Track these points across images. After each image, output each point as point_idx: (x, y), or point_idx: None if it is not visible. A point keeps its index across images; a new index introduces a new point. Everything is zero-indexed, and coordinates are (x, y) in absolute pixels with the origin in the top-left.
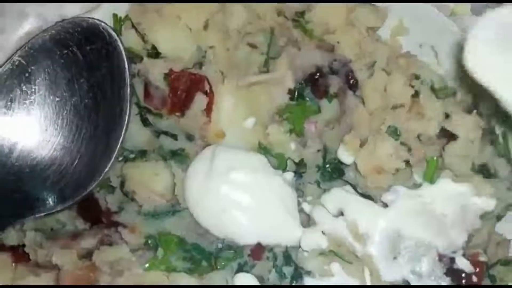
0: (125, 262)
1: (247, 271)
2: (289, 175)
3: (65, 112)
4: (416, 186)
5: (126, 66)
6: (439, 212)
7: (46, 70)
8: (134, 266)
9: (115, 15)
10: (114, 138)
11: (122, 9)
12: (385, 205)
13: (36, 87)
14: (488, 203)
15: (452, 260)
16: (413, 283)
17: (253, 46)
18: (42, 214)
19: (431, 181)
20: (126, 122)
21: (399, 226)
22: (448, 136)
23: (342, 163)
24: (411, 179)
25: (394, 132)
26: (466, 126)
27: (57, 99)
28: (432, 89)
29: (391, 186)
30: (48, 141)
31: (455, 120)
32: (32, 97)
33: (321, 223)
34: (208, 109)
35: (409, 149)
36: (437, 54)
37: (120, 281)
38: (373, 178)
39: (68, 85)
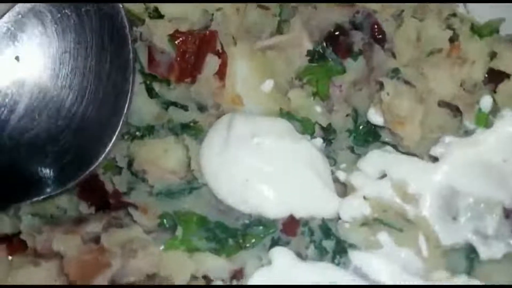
0: (139, 241)
1: None
2: (318, 141)
3: (62, 82)
4: (469, 133)
5: (127, 29)
6: (499, 159)
7: (38, 36)
8: (150, 245)
9: None
10: (118, 110)
11: None
12: (435, 160)
13: (28, 55)
14: None
15: None
16: (477, 245)
17: (264, 8)
18: (40, 198)
19: (486, 125)
20: (129, 91)
21: (454, 182)
22: (496, 78)
23: (376, 125)
24: (461, 126)
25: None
26: None
27: (51, 68)
28: (472, 28)
29: (439, 138)
30: (46, 113)
31: (505, 57)
32: (24, 66)
33: (361, 188)
34: (221, 72)
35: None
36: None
37: (134, 263)
38: (403, 132)
39: (63, 52)
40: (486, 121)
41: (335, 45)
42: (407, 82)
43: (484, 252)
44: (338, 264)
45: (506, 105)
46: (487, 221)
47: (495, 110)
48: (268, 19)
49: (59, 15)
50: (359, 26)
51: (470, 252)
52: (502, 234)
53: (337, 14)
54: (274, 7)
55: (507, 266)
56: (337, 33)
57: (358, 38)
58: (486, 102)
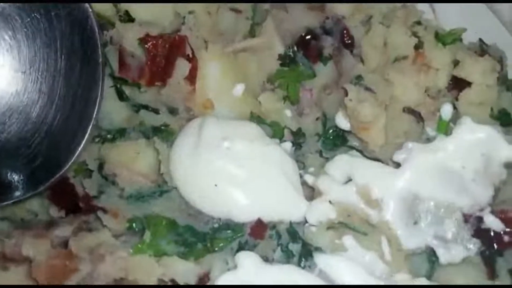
0: (107, 246)
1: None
2: (288, 145)
3: (32, 86)
4: (430, 140)
5: (97, 33)
6: (458, 166)
7: (7, 40)
8: (118, 250)
9: None
10: (87, 113)
11: None
12: (398, 165)
13: None
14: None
15: (479, 219)
16: (437, 249)
17: (236, 11)
18: (10, 202)
19: (446, 132)
20: (99, 95)
21: (416, 187)
22: (459, 85)
23: (344, 129)
24: (423, 133)
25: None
26: (480, 70)
27: (21, 72)
28: (437, 36)
29: (402, 144)
30: (14, 117)
31: (467, 65)
32: None
33: (327, 193)
34: (192, 76)
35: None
36: (434, 10)
37: (102, 268)
38: (367, 137)
39: (33, 56)
40: (446, 128)
41: (306, 49)
42: (368, 89)
43: (443, 255)
44: (303, 267)
45: (467, 113)
46: (447, 226)
47: (456, 117)
48: (240, 22)
49: (28, 19)
50: (329, 31)
51: (431, 255)
52: (461, 238)
53: (309, 19)
54: (246, 10)
55: (466, 269)
56: (308, 37)
57: (328, 43)
58: (446, 110)
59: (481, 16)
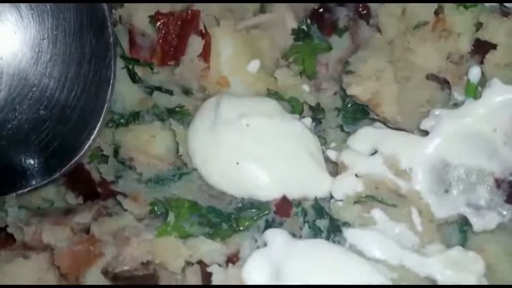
0: (130, 229)
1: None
2: (308, 121)
3: (41, 70)
4: (458, 105)
5: (106, 10)
6: (489, 129)
7: (14, 20)
8: (142, 232)
9: None
10: (100, 97)
11: None
12: (426, 134)
13: (5, 44)
14: None
15: None
16: (470, 217)
17: None
18: (25, 190)
19: (475, 95)
20: (111, 77)
21: (445, 154)
22: (482, 49)
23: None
24: (450, 99)
25: None
26: (505, 31)
27: (29, 57)
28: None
29: (429, 111)
30: (25, 103)
31: (490, 27)
32: (1, 56)
33: (353, 166)
34: (206, 53)
35: None
36: None
37: (128, 251)
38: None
39: (43, 38)
40: (475, 91)
41: (319, 22)
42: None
43: (477, 223)
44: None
45: (494, 75)
46: (479, 192)
47: (483, 81)
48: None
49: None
50: (343, 2)
51: (464, 224)
52: (494, 204)
53: None
54: None
55: (500, 236)
56: (321, 10)
57: (343, 15)
58: (474, 72)
59: None
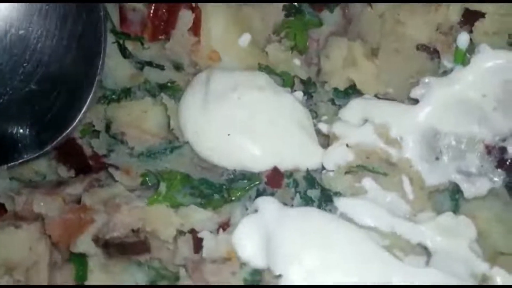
0: (122, 197)
1: None
2: (299, 94)
3: (32, 45)
4: (447, 73)
5: None
6: (478, 95)
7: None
8: (133, 200)
9: None
10: (91, 71)
11: None
12: (415, 102)
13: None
14: None
15: (502, 150)
16: (461, 183)
17: None
18: (17, 162)
19: (464, 62)
20: (102, 51)
21: (436, 122)
22: (472, 19)
23: None
24: (439, 67)
25: None
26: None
27: (20, 31)
28: None
29: (419, 80)
30: (16, 78)
31: None
32: None
33: (344, 137)
34: (196, 27)
35: None
36: None
37: (119, 217)
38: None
39: (33, 15)
40: (464, 58)
41: None
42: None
43: (468, 190)
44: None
45: (483, 43)
46: (470, 159)
47: (472, 48)
48: None
49: None
50: None
51: (455, 191)
52: (485, 170)
53: None
54: None
55: (491, 202)
56: None
57: None
58: (463, 39)
59: None
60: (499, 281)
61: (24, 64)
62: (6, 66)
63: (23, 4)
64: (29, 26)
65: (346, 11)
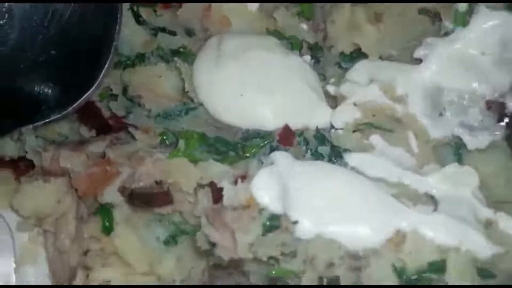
0: (145, 151)
1: None
2: (307, 58)
3: (49, 13)
4: (448, 34)
5: None
6: (477, 53)
7: None
8: (156, 154)
9: None
10: (108, 35)
11: None
12: (419, 62)
13: None
14: None
15: (502, 105)
16: (464, 136)
17: None
18: (41, 122)
19: (463, 23)
20: (118, 16)
21: (438, 80)
22: None
23: None
24: (441, 29)
25: None
26: None
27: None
28: None
29: (421, 41)
30: (37, 44)
31: None
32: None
33: (351, 96)
34: None
35: None
36: None
37: (143, 169)
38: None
39: None
40: (463, 20)
41: None
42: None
43: (470, 142)
44: None
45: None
46: (471, 114)
47: (471, 10)
48: None
49: None
50: None
51: (458, 145)
52: (486, 124)
53: None
54: None
55: (492, 154)
56: None
57: None
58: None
59: None
60: (501, 225)
61: (44, 31)
62: (26, 31)
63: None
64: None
65: None
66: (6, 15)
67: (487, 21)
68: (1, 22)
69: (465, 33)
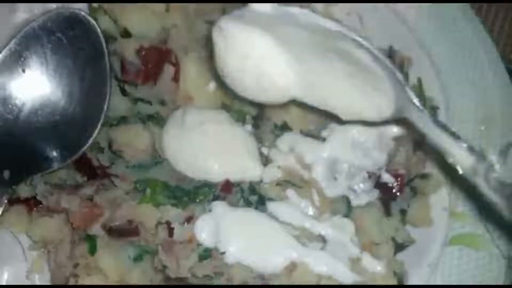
0: (121, 198)
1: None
2: (249, 127)
3: (57, 86)
4: (345, 122)
5: (104, 46)
6: (363, 139)
7: (38, 53)
8: (129, 201)
9: (90, 5)
10: (100, 106)
11: None
12: (324, 140)
13: (31, 68)
14: (399, 129)
15: (379, 176)
16: (350, 196)
17: (210, 22)
18: (47, 171)
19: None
20: (108, 92)
21: (335, 154)
22: None
23: None
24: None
25: None
26: None
27: (49, 77)
28: None
29: (327, 125)
30: (46, 110)
31: None
32: (29, 76)
33: (276, 160)
34: (176, 77)
35: None
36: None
37: (119, 212)
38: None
39: (57, 65)
40: None
41: None
42: None
43: (354, 200)
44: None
45: None
46: (356, 180)
47: None
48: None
49: (52, 37)
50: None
51: (347, 201)
52: (366, 189)
53: None
54: None
55: (370, 210)
56: None
57: None
58: None
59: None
60: (364, 262)
61: (49, 103)
62: (37, 102)
63: (49, 56)
64: (54, 73)
65: None
66: (23, 90)
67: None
68: (19, 95)
69: (355, 125)
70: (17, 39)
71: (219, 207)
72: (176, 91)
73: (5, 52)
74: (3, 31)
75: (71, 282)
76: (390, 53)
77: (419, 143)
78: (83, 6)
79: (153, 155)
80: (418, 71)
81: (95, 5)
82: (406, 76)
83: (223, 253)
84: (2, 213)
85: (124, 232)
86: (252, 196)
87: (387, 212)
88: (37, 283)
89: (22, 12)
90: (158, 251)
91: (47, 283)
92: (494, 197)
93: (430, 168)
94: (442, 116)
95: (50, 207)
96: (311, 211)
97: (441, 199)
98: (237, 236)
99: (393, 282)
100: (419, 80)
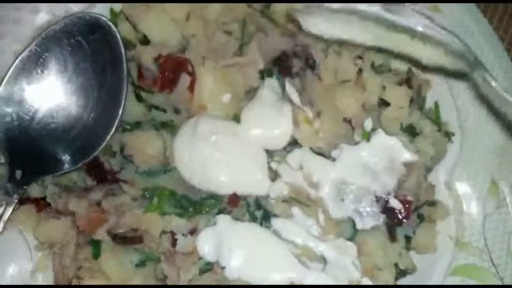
0: (127, 206)
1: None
2: None
3: (74, 89)
4: (356, 143)
5: (123, 52)
6: (373, 162)
7: (57, 55)
8: (134, 208)
9: (111, 10)
10: (115, 111)
11: (117, 4)
12: (334, 159)
13: (50, 70)
14: (411, 155)
15: (387, 201)
16: (355, 219)
17: (228, 33)
18: (59, 173)
19: (367, 138)
20: (124, 98)
21: (344, 175)
22: (386, 104)
23: None
24: (352, 138)
25: None
26: (397, 95)
27: (66, 79)
28: (372, 66)
29: (338, 145)
30: (62, 112)
31: (388, 91)
32: (47, 78)
33: (284, 176)
34: (191, 87)
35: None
36: None
37: (123, 220)
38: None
39: (76, 68)
40: (368, 136)
41: (279, 66)
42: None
43: (359, 223)
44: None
45: (385, 124)
46: (363, 203)
47: (375, 129)
48: (231, 42)
49: (72, 41)
50: (298, 55)
51: (353, 224)
52: (372, 213)
53: (283, 44)
54: (236, 32)
55: (375, 234)
56: (282, 57)
57: (296, 63)
58: (367, 124)
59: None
60: None
61: (67, 105)
62: (53, 105)
63: (68, 60)
64: (71, 77)
65: (303, 79)
66: (40, 93)
67: (382, 141)
68: (36, 98)
69: (367, 146)
70: (38, 41)
71: (223, 220)
72: (190, 101)
73: (25, 53)
74: (26, 32)
75: (74, 283)
76: (409, 75)
77: (429, 169)
78: (103, 11)
79: (163, 162)
80: (436, 95)
81: (116, 10)
82: (423, 100)
83: (224, 267)
84: (12, 211)
85: (128, 239)
86: (258, 211)
87: (392, 238)
88: (40, 282)
89: (45, 13)
90: (161, 259)
91: (50, 283)
92: None
93: (439, 195)
94: (457, 141)
95: (58, 209)
96: (315, 231)
97: (448, 227)
98: (239, 252)
99: None
100: (436, 104)
